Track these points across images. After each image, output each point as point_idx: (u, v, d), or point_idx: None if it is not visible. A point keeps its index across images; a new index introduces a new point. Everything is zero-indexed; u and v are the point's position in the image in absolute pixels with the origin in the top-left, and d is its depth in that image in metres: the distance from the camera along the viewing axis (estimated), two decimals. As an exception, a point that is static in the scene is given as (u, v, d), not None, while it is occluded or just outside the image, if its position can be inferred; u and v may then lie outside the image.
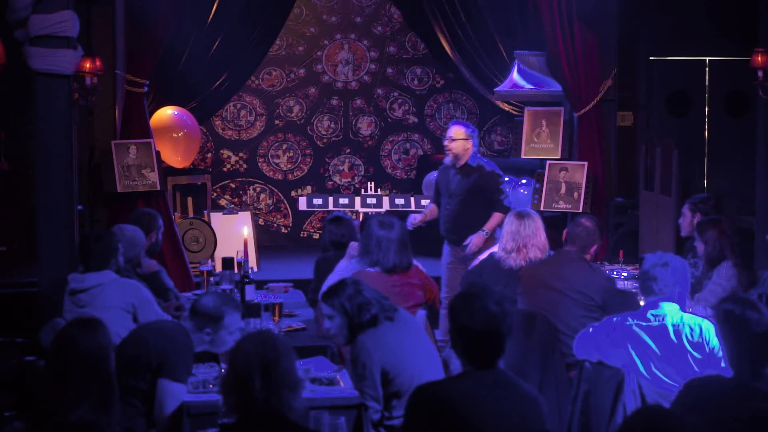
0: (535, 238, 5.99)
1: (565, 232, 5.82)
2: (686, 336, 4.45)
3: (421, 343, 4.80)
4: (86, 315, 4.71)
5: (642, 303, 5.78)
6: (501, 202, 7.51)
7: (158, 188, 8.65)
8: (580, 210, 8.97)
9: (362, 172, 11.60)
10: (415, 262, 5.97)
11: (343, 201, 8.11)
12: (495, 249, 6.26)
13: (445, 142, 7.66)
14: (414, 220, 7.74)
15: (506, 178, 7.73)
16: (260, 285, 6.56)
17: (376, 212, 7.83)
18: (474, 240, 7.36)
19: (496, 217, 7.39)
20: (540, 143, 9.64)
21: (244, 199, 11.47)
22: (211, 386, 4.53)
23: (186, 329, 4.53)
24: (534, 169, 9.59)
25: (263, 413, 3.26)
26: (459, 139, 7.57)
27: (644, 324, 4.51)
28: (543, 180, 9.16)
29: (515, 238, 6.00)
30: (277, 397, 3.26)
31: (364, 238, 5.72)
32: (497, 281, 5.92)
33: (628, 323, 4.55)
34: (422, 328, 5.13)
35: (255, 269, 9.07)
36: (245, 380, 3.28)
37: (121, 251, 5.59)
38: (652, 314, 4.51)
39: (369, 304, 4.68)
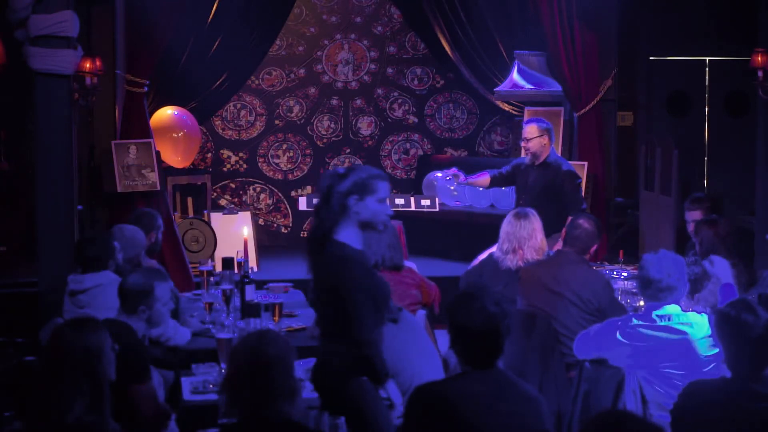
0: (532, 240, 5.97)
1: (563, 232, 5.81)
2: (692, 335, 4.46)
3: (422, 343, 4.80)
4: (84, 315, 4.72)
5: (641, 303, 5.81)
6: (577, 205, 7.33)
7: (158, 188, 8.65)
8: (580, 210, 8.96)
9: (362, 172, 11.58)
10: (410, 264, 5.96)
11: (343, 201, 8.09)
12: (495, 249, 6.25)
13: (522, 144, 7.56)
14: (455, 178, 7.70)
15: (579, 180, 7.62)
16: (260, 285, 6.55)
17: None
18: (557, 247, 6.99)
19: None
20: (540, 143, 9.62)
21: (244, 199, 11.47)
22: (211, 386, 4.53)
23: (129, 327, 4.45)
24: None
25: (258, 416, 3.24)
26: (534, 138, 7.43)
27: (649, 324, 4.51)
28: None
29: (511, 239, 5.99)
30: (268, 403, 3.23)
31: None
32: (497, 281, 5.92)
33: (632, 323, 4.55)
34: (423, 329, 5.13)
35: (255, 269, 9.07)
36: (237, 384, 3.26)
37: (119, 249, 5.58)
38: (656, 315, 4.51)
39: None
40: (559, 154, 9.36)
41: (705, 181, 11.34)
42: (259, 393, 3.22)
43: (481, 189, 8.08)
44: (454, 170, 7.78)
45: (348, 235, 4.04)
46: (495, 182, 7.81)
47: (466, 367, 3.55)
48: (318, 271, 4.09)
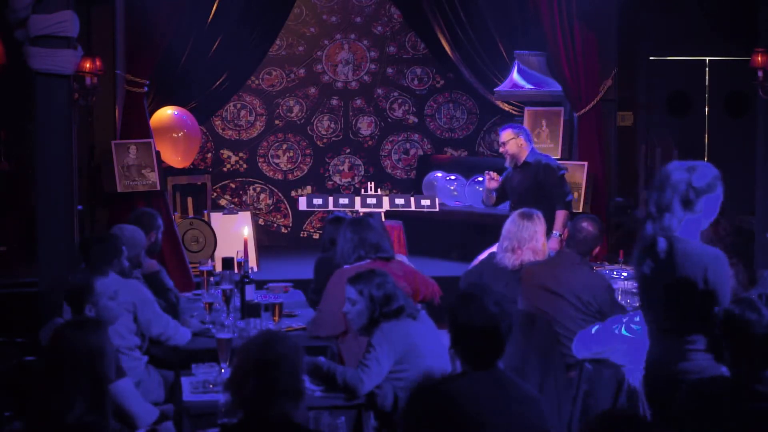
0: (532, 242, 5.97)
1: (565, 232, 5.80)
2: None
3: (433, 342, 4.81)
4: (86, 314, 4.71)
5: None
6: (562, 198, 7.63)
7: (158, 188, 8.65)
8: (580, 210, 8.97)
9: (362, 172, 11.60)
10: (401, 257, 5.96)
11: (343, 201, 8.11)
12: (495, 249, 6.24)
13: (500, 150, 7.85)
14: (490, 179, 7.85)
15: (564, 171, 7.87)
16: (260, 285, 6.55)
17: (376, 212, 7.83)
18: (550, 245, 7.01)
19: (561, 215, 7.52)
20: (540, 143, 9.62)
21: (244, 199, 11.47)
22: (211, 386, 4.53)
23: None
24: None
25: (260, 415, 3.24)
26: (509, 140, 7.72)
27: None
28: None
29: (512, 238, 5.99)
30: (271, 401, 3.23)
31: (338, 239, 5.77)
32: (497, 281, 5.91)
33: (638, 319, 4.55)
34: (436, 329, 5.10)
35: (255, 269, 9.07)
36: (240, 380, 3.26)
37: (125, 254, 5.58)
38: None
39: (396, 296, 4.72)
40: (559, 155, 9.41)
41: (705, 181, 11.30)
42: (264, 390, 3.22)
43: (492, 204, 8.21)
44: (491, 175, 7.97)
45: (690, 232, 4.01)
46: (499, 199, 7.97)
47: (466, 367, 3.55)
48: (670, 269, 3.96)
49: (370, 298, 4.72)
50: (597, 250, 5.79)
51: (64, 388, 3.45)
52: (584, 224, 5.71)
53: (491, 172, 7.93)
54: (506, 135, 7.77)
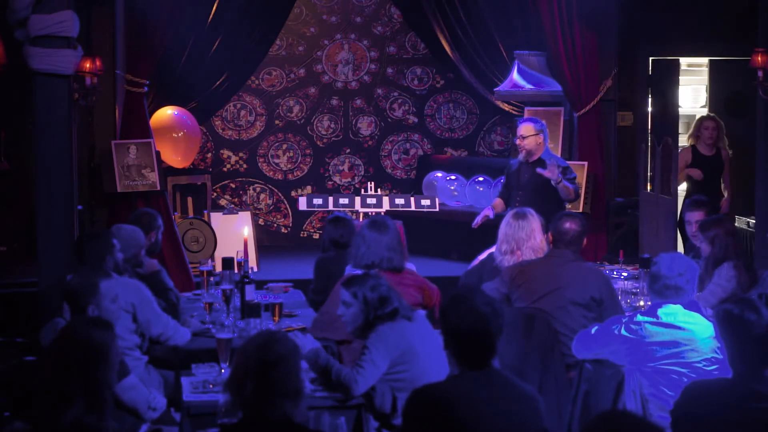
0: (530, 241, 5.93)
1: (550, 235, 5.74)
2: (696, 334, 4.46)
3: (431, 344, 4.80)
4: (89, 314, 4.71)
5: (641, 303, 5.80)
6: (573, 199, 7.63)
7: (158, 188, 8.65)
8: (581, 210, 8.97)
9: (362, 172, 11.59)
10: (410, 266, 5.95)
11: (343, 201, 8.11)
12: (494, 249, 6.22)
13: (517, 141, 7.74)
14: (479, 219, 7.78)
15: (575, 176, 7.82)
16: (260, 285, 6.55)
17: (376, 212, 7.82)
18: None
19: None
20: (540, 143, 9.62)
21: (244, 199, 11.47)
22: (211, 386, 4.53)
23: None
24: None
25: (260, 415, 3.24)
26: (530, 136, 7.63)
27: (655, 320, 4.51)
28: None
29: (509, 241, 5.94)
30: (271, 402, 3.23)
31: (355, 238, 5.76)
32: (497, 281, 5.90)
33: (637, 319, 4.55)
34: (433, 331, 5.11)
35: (255, 269, 9.07)
36: (240, 381, 3.27)
37: (118, 248, 5.56)
38: (661, 312, 4.51)
39: (390, 298, 4.71)
40: (559, 155, 9.40)
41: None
42: (264, 390, 3.23)
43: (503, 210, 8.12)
44: (487, 211, 7.87)
45: None
46: (506, 201, 7.87)
47: (461, 368, 3.55)
48: None
49: (364, 300, 4.70)
50: (585, 242, 5.78)
51: (64, 388, 3.44)
52: (567, 225, 5.63)
53: (481, 218, 7.86)
54: (527, 129, 7.63)
